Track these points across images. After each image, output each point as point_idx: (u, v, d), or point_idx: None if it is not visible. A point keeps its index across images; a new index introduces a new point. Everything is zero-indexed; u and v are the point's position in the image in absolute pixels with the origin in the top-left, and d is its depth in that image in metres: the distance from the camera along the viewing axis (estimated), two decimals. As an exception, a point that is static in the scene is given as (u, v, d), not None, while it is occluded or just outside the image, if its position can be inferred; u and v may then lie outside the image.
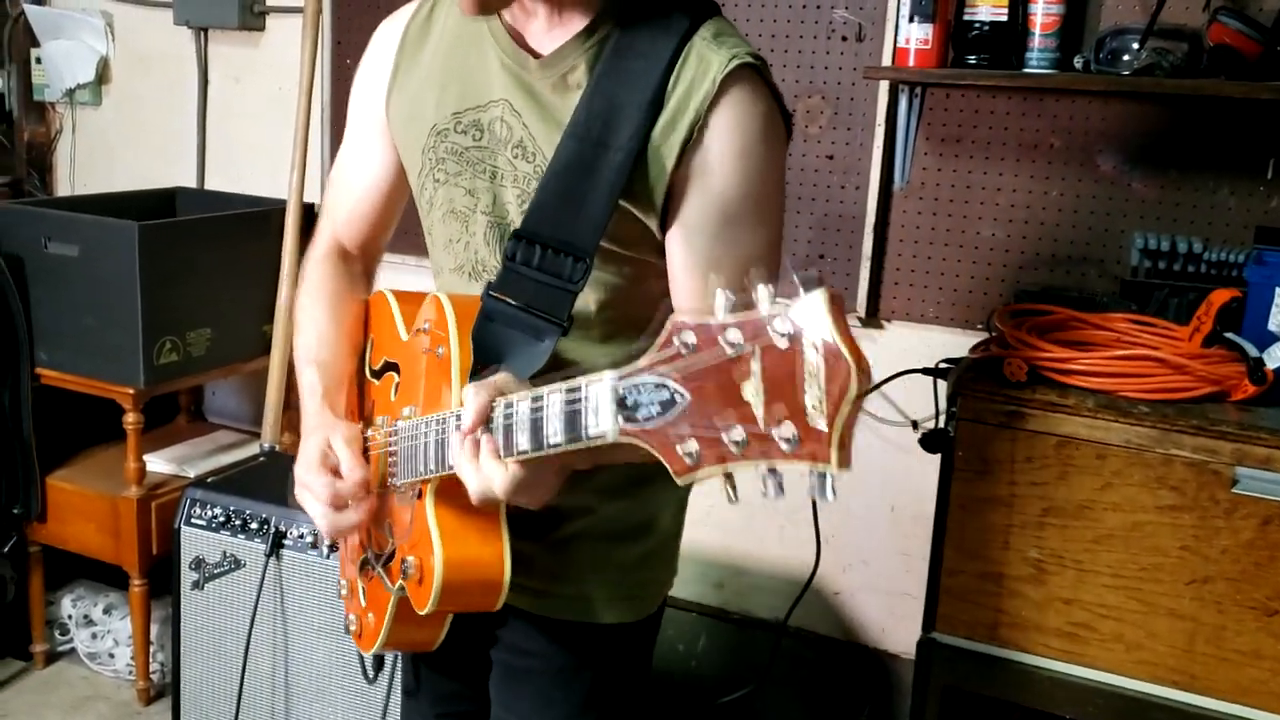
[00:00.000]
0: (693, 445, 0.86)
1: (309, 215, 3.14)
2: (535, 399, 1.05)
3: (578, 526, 1.41)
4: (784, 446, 0.81)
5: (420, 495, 1.27)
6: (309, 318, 1.49)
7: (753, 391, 0.82)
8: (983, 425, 1.92)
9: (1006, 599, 1.95)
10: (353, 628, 1.48)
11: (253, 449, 3.17)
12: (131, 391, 2.79)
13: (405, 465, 1.30)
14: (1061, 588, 1.91)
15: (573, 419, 0.99)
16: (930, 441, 2.45)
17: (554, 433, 1.02)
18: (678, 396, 0.87)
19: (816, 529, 2.60)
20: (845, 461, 0.80)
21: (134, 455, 2.85)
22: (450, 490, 1.23)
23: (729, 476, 0.87)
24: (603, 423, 0.94)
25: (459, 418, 1.14)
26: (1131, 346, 1.98)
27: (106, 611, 3.17)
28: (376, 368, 1.47)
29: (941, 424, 2.52)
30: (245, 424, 3.48)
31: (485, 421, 1.11)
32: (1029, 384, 1.92)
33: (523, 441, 1.06)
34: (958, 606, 1.98)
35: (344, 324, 1.49)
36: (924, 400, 2.65)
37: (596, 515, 1.41)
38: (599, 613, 1.43)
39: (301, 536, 2.38)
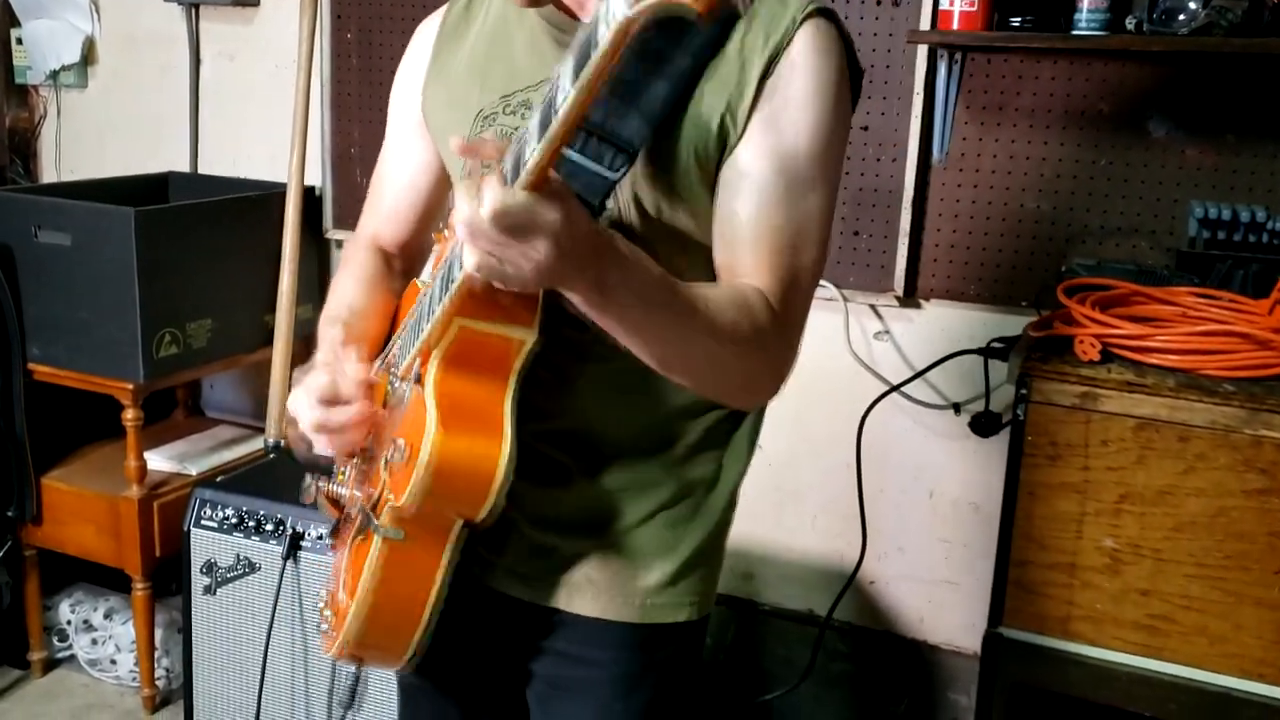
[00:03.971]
0: None
1: (310, 198, 3.03)
2: (549, 86, 0.93)
3: (641, 520, 1.31)
4: None
5: (420, 380, 1.16)
6: (339, 292, 1.43)
7: None
8: (1054, 407, 1.80)
9: (1079, 591, 1.84)
10: (324, 627, 1.36)
11: (256, 444, 3.05)
12: (130, 387, 2.66)
13: (409, 340, 1.20)
14: (1139, 578, 1.80)
15: (585, 47, 0.86)
16: (981, 425, 2.35)
17: (562, 90, 0.89)
18: None
19: (863, 516, 2.50)
20: None
21: (134, 453, 2.72)
22: (455, 364, 1.14)
23: None
24: (611, 17, 0.82)
25: None
26: (1202, 322, 1.87)
27: (107, 616, 3.04)
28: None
29: (990, 406, 2.42)
30: (246, 418, 3.35)
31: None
32: (1102, 363, 1.81)
33: (528, 150, 0.93)
34: (1026, 599, 1.87)
35: (375, 305, 1.41)
36: (965, 382, 2.55)
37: (660, 503, 1.31)
38: (666, 612, 1.32)
39: (320, 538, 2.26)
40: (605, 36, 0.83)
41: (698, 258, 1.23)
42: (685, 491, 1.32)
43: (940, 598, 2.70)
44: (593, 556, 1.29)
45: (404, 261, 1.50)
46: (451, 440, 1.11)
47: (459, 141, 0.99)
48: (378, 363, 1.34)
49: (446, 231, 1.21)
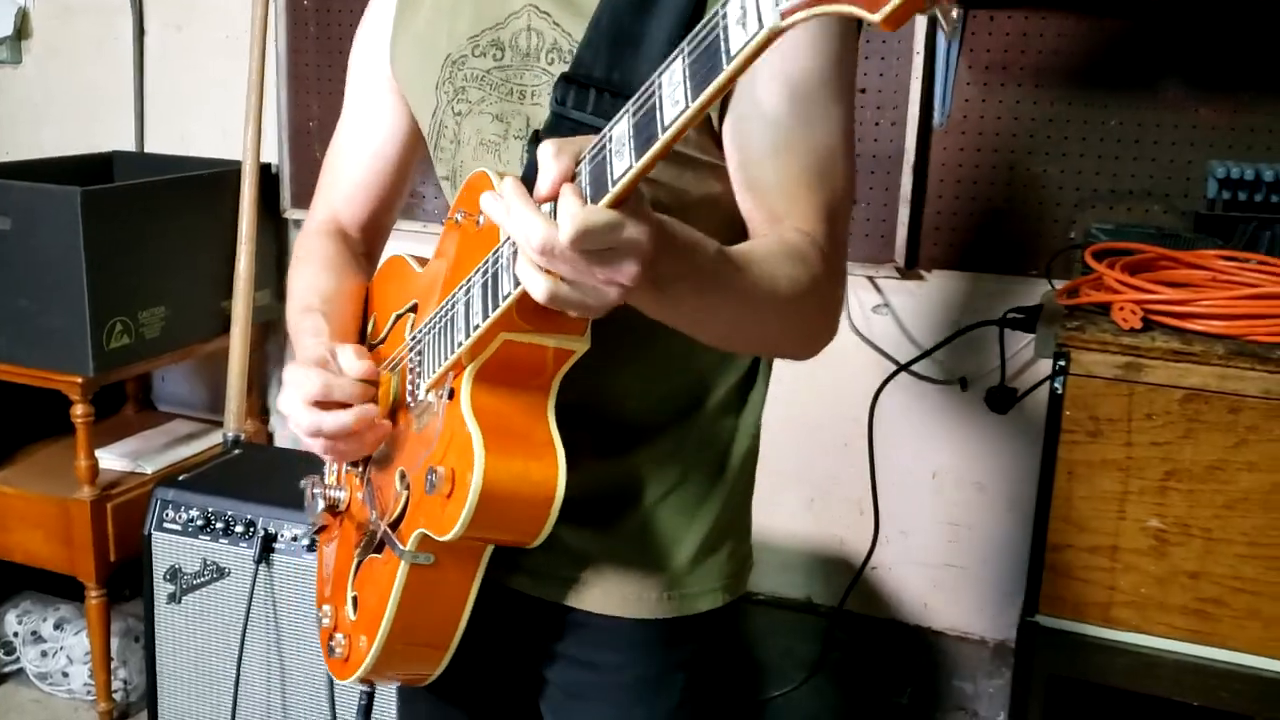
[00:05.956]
0: None
1: (266, 176, 2.85)
2: (641, 94, 0.79)
3: (655, 502, 1.19)
4: None
5: (453, 395, 1.02)
6: (304, 282, 1.28)
7: None
8: (1094, 380, 1.68)
9: (1121, 575, 1.73)
10: (338, 651, 1.21)
11: (214, 439, 2.88)
12: (80, 380, 2.48)
13: (434, 356, 1.06)
14: (1186, 560, 1.69)
15: (706, 58, 0.72)
16: (997, 400, 2.24)
17: (674, 104, 0.75)
18: None
19: (875, 500, 2.38)
20: None
21: (85, 452, 2.54)
22: (493, 378, 1.00)
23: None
24: (754, 22, 0.68)
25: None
26: (1238, 286, 1.76)
27: (58, 626, 2.85)
28: (381, 336, 1.24)
29: (1004, 381, 2.31)
30: (201, 411, 3.17)
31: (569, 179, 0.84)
32: (1143, 331, 1.69)
33: (621, 163, 0.79)
34: (1064, 585, 1.76)
35: (344, 290, 1.28)
36: (970, 356, 2.43)
37: (674, 481, 1.19)
38: (686, 603, 1.20)
39: (295, 539, 2.09)
40: (746, 46, 0.69)
41: (715, 215, 1.11)
42: (700, 463, 1.20)
43: (945, 582, 2.59)
44: (602, 546, 1.17)
45: (365, 245, 1.36)
46: (503, 464, 0.98)
47: (550, 149, 0.83)
48: (382, 366, 1.19)
49: (460, 218, 1.05)
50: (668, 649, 1.21)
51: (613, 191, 0.80)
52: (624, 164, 0.79)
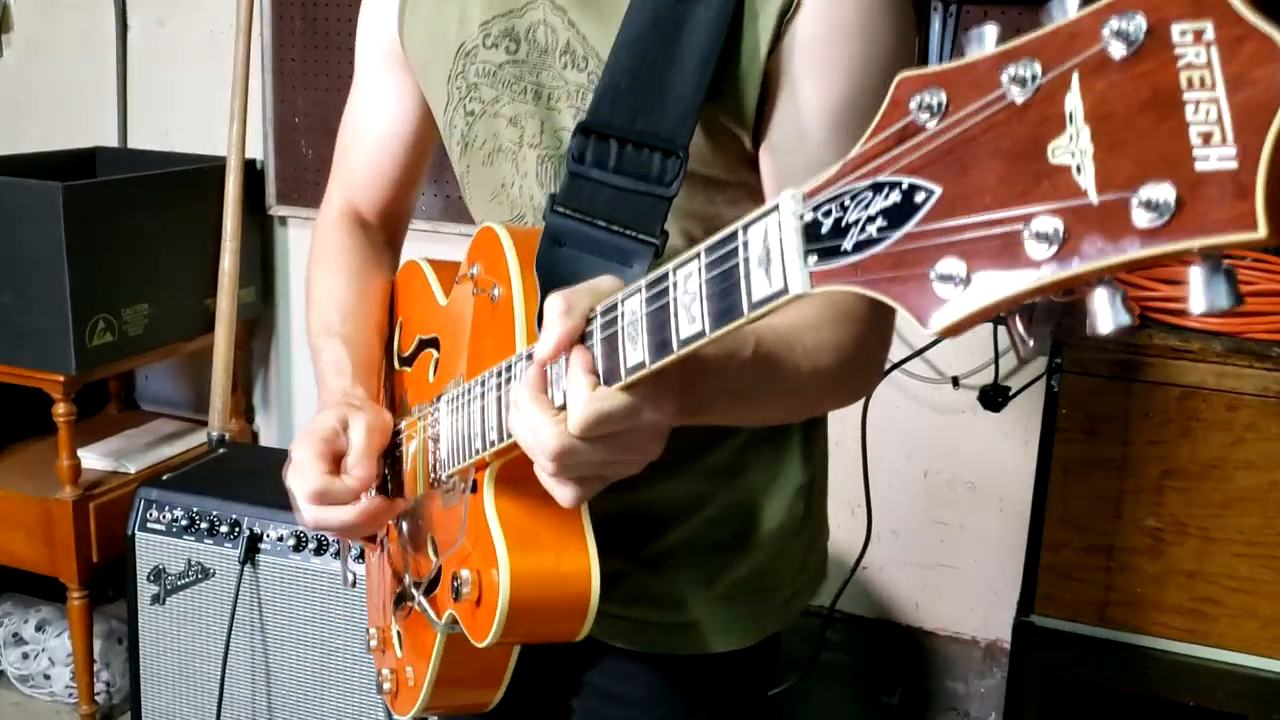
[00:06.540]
0: (954, 265, 0.51)
1: (251, 172, 2.82)
2: (656, 282, 0.71)
3: (683, 532, 1.13)
4: (1142, 222, 0.45)
5: (475, 488, 0.97)
6: (324, 292, 1.22)
7: (1070, 146, 0.47)
8: (1091, 378, 1.67)
9: (1118, 574, 1.72)
10: (386, 686, 1.19)
11: (198, 438, 2.85)
12: (62, 379, 2.44)
13: (453, 448, 1.00)
14: (1183, 559, 1.68)
15: (725, 286, 0.65)
16: (990, 398, 2.22)
17: (690, 320, 0.67)
18: (918, 193, 0.53)
19: (868, 501, 2.36)
20: (1276, 223, 0.42)
21: (67, 451, 2.50)
22: (517, 476, 0.94)
23: (1017, 315, 0.53)
24: (779, 277, 0.61)
25: (530, 355, 0.83)
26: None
27: (39, 628, 2.82)
28: (408, 353, 1.19)
29: (998, 379, 2.30)
30: (185, 411, 3.13)
31: (578, 341, 0.77)
32: (1141, 328, 1.68)
33: (634, 353, 0.72)
34: (1060, 585, 1.75)
35: (368, 298, 1.22)
36: (960, 354, 2.42)
37: (704, 514, 1.13)
38: (714, 640, 1.14)
39: (281, 539, 2.07)
40: (767, 304, 0.62)
41: None
42: (733, 492, 1.14)
43: (936, 582, 2.57)
44: (624, 580, 1.12)
45: (386, 232, 1.30)
46: (531, 570, 0.93)
47: (558, 306, 0.76)
48: (412, 410, 1.14)
49: (475, 277, 1.01)
50: (691, 686, 1.16)
51: (626, 381, 0.73)
52: (638, 356, 0.72)
